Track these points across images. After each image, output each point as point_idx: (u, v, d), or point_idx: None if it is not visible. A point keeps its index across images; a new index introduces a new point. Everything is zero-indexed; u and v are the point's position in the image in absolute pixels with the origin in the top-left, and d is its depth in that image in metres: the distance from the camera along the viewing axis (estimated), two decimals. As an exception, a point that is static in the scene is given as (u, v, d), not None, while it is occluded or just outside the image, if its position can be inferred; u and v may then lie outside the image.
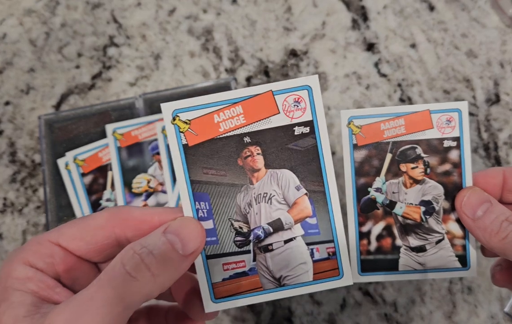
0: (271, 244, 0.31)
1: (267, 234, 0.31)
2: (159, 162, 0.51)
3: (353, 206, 0.35)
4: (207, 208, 0.30)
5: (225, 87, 0.56)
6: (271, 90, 0.30)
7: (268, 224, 0.31)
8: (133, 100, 0.55)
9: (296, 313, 0.49)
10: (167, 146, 0.52)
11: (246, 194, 0.31)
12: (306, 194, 0.31)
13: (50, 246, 0.27)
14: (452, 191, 0.34)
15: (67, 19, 0.62)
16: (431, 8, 0.63)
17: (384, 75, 0.59)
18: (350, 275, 0.31)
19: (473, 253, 0.35)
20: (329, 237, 0.31)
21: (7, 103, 0.58)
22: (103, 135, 0.53)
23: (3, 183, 0.55)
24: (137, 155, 0.52)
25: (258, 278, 0.31)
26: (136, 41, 0.61)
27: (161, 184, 0.51)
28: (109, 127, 0.52)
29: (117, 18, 0.63)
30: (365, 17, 0.62)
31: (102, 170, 0.52)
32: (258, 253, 0.31)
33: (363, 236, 0.35)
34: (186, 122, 0.30)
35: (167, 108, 0.29)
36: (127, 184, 0.51)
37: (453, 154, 0.35)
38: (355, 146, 0.34)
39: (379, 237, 0.35)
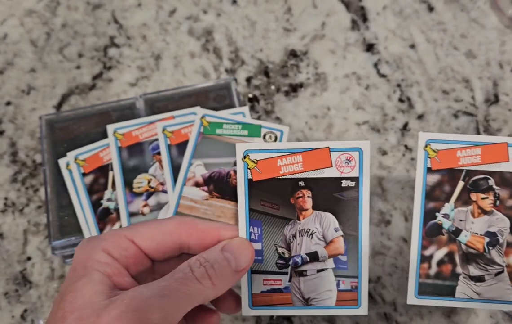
0: (305, 271, 0.37)
1: (304, 262, 0.37)
2: (160, 161, 0.52)
3: (418, 229, 0.36)
4: (259, 232, 0.36)
5: (225, 88, 0.56)
6: (328, 147, 0.35)
7: (307, 254, 0.37)
8: (134, 101, 0.55)
9: (296, 313, 0.50)
10: (168, 146, 0.52)
11: (292, 227, 0.37)
12: (342, 235, 0.36)
13: (126, 241, 0.32)
14: None
15: (67, 20, 0.63)
16: (431, 8, 0.63)
17: (383, 76, 0.60)
18: (366, 307, 0.37)
19: None
20: (355, 274, 0.37)
21: (8, 103, 0.59)
22: (104, 135, 0.53)
23: (4, 183, 0.55)
24: (137, 155, 0.52)
25: (290, 296, 0.37)
26: (136, 42, 0.61)
27: (162, 184, 0.51)
28: (110, 128, 0.52)
29: (118, 19, 0.63)
30: (364, 18, 0.63)
31: (103, 170, 0.52)
32: (294, 276, 0.37)
33: (425, 259, 0.36)
34: (254, 162, 0.35)
35: (240, 148, 0.35)
36: (128, 184, 0.51)
37: None
38: (429, 170, 0.36)
39: (440, 262, 0.37)
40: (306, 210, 0.36)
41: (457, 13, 0.63)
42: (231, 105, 0.55)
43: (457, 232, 0.36)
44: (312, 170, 0.35)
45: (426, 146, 0.36)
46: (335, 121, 0.57)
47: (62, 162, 0.52)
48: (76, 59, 0.61)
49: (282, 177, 0.36)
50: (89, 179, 0.51)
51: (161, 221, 0.34)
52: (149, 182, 0.51)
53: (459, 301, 0.36)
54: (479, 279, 0.36)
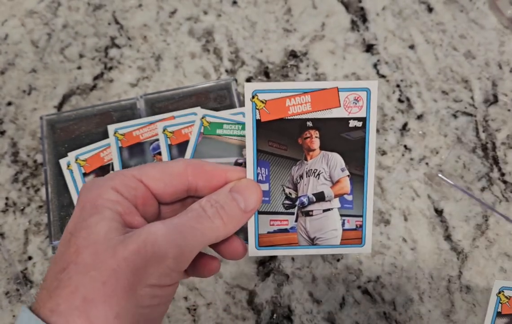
0: (312, 211, 0.37)
1: (311, 202, 0.37)
2: (160, 161, 0.52)
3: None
4: (266, 173, 0.36)
5: (225, 88, 0.57)
6: (337, 87, 0.35)
7: (313, 194, 0.37)
8: (135, 101, 0.56)
9: (296, 312, 0.50)
10: (168, 147, 0.52)
11: (300, 167, 0.37)
12: (348, 175, 0.36)
13: (134, 181, 0.31)
14: None
15: (68, 20, 0.63)
16: (430, 9, 0.63)
17: (383, 76, 0.60)
18: (370, 246, 0.37)
19: None
20: (360, 213, 0.37)
21: (9, 103, 0.59)
22: (104, 135, 0.53)
23: (5, 183, 0.55)
24: (138, 155, 0.52)
25: (296, 236, 0.37)
26: (137, 42, 0.62)
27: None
28: (111, 128, 0.53)
29: (119, 20, 0.63)
30: (364, 19, 0.63)
31: (104, 170, 0.52)
32: (300, 216, 0.37)
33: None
34: (262, 102, 0.35)
35: (249, 87, 0.35)
36: (129, 184, 0.51)
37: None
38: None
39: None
40: (314, 150, 0.36)
41: (456, 13, 0.63)
42: (231, 106, 0.55)
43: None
44: (320, 110, 0.35)
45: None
46: (334, 121, 0.57)
47: (63, 162, 0.52)
48: (77, 59, 0.61)
49: (290, 117, 0.35)
50: (90, 179, 0.52)
51: (169, 162, 0.34)
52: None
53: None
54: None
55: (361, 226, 0.37)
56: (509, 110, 0.58)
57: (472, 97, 0.59)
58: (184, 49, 0.61)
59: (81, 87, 0.59)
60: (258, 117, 0.35)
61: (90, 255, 0.27)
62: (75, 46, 0.61)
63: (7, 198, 0.54)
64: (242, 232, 0.36)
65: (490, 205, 0.54)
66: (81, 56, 0.61)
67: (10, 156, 0.56)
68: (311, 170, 0.37)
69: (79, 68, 0.60)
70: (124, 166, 0.52)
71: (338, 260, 0.52)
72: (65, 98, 0.59)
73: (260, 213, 0.36)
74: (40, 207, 0.54)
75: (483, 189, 0.54)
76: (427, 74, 0.60)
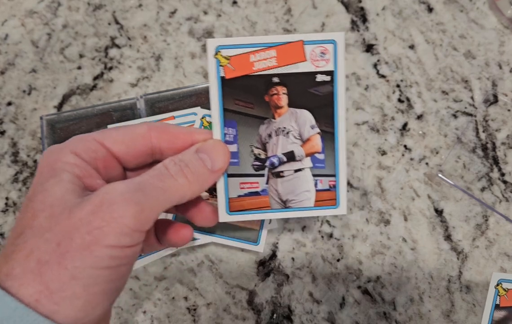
0: (283, 171, 0.35)
1: (281, 162, 0.35)
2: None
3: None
4: (234, 133, 0.35)
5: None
6: (302, 40, 0.34)
7: (283, 153, 0.35)
8: (135, 101, 0.56)
9: (296, 312, 0.50)
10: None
11: (268, 126, 0.35)
12: (319, 133, 0.35)
13: (95, 143, 0.31)
14: None
15: (68, 20, 0.63)
16: (430, 9, 0.63)
17: (383, 76, 0.60)
18: (345, 206, 0.36)
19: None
20: (332, 172, 0.36)
21: (9, 103, 0.59)
22: (104, 135, 0.53)
23: (5, 183, 0.55)
24: (138, 155, 0.52)
25: (268, 199, 0.36)
26: (137, 42, 0.62)
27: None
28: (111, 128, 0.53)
29: (119, 20, 0.63)
30: (364, 19, 0.63)
31: (104, 170, 0.52)
32: (271, 177, 0.36)
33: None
34: (226, 58, 0.33)
35: (212, 43, 0.33)
36: (129, 184, 0.51)
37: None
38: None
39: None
40: (281, 107, 0.35)
41: (456, 13, 0.63)
42: (231, 106, 0.55)
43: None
44: (286, 65, 0.34)
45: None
46: (334, 121, 0.57)
47: (63, 162, 0.52)
48: (77, 59, 0.61)
49: (256, 74, 0.34)
50: (90, 178, 0.52)
51: (132, 125, 0.33)
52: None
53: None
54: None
55: (334, 186, 0.36)
56: (509, 110, 0.58)
57: (472, 97, 0.59)
58: (184, 49, 0.61)
59: (81, 87, 0.59)
60: (222, 74, 0.34)
61: (45, 218, 0.26)
62: (75, 46, 0.61)
63: (7, 198, 0.54)
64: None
65: (490, 205, 0.54)
66: (81, 56, 0.61)
67: (10, 156, 0.56)
68: (280, 128, 0.35)
69: (79, 68, 0.60)
70: (124, 165, 0.52)
71: (338, 260, 0.52)
72: (65, 98, 0.59)
73: (229, 175, 0.35)
74: (40, 207, 0.54)
75: (483, 189, 0.54)
76: (427, 74, 0.60)
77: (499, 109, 0.58)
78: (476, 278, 0.51)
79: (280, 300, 0.50)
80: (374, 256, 0.52)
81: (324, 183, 0.36)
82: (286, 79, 0.34)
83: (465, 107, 0.58)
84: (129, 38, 0.62)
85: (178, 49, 0.61)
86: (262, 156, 0.35)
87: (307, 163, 0.35)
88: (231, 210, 0.35)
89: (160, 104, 0.55)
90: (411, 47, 0.61)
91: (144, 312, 0.50)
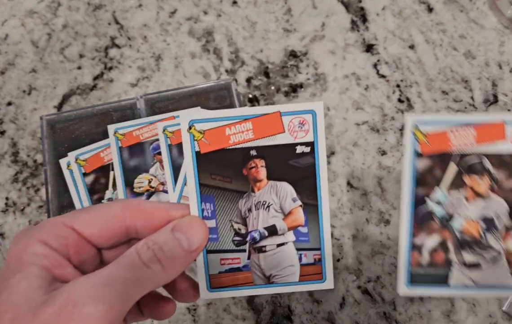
0: (265, 246, 0.34)
1: (262, 237, 0.34)
2: (160, 161, 0.52)
3: (408, 217, 0.34)
4: (212, 209, 0.34)
5: (225, 88, 0.57)
6: (279, 111, 0.33)
7: (265, 228, 0.34)
8: (135, 101, 0.56)
9: (296, 312, 0.50)
10: (168, 147, 0.52)
11: (247, 200, 0.34)
12: (301, 205, 0.34)
13: (65, 229, 0.29)
14: None
15: (68, 20, 0.63)
16: (430, 9, 0.63)
17: (383, 76, 0.60)
18: (332, 280, 0.35)
19: None
20: (317, 245, 0.35)
21: (9, 103, 0.59)
22: (104, 135, 0.53)
23: (5, 183, 0.55)
24: (138, 155, 0.52)
25: (251, 274, 0.35)
26: (137, 42, 0.62)
27: (162, 184, 0.51)
28: (111, 128, 0.53)
29: (119, 20, 0.63)
30: (364, 19, 0.63)
31: (104, 170, 0.52)
32: (253, 252, 0.35)
33: (416, 248, 0.34)
34: (200, 132, 0.33)
35: (185, 117, 0.33)
36: (129, 184, 0.51)
37: None
38: (418, 154, 0.33)
39: (433, 251, 0.34)
40: (261, 180, 0.34)
41: (456, 13, 0.63)
42: (231, 106, 0.55)
43: (450, 218, 0.34)
44: (264, 137, 0.33)
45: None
46: (334, 121, 0.57)
47: (63, 162, 0.52)
48: (77, 59, 0.61)
49: (232, 147, 0.33)
50: (90, 179, 0.52)
51: (104, 204, 0.31)
52: (149, 182, 0.51)
53: (454, 289, 0.34)
54: (474, 266, 0.34)
55: (320, 260, 0.35)
56: (509, 110, 0.58)
57: (472, 97, 0.59)
58: (184, 49, 0.61)
59: (81, 87, 0.59)
60: (197, 149, 0.33)
61: (9, 320, 0.25)
62: (75, 46, 0.61)
63: (7, 198, 0.54)
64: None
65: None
66: (81, 56, 0.61)
67: (10, 156, 0.56)
68: (260, 202, 0.34)
69: (79, 68, 0.60)
70: (124, 166, 0.52)
71: (338, 260, 0.52)
72: (65, 98, 0.59)
73: (208, 251, 0.34)
74: (40, 207, 0.54)
75: (483, 189, 0.54)
76: (427, 74, 0.60)
77: (499, 109, 0.58)
78: (476, 278, 0.51)
79: (280, 300, 0.50)
80: (374, 256, 0.52)
81: (308, 256, 0.35)
82: (265, 152, 0.33)
83: (465, 107, 0.58)
84: (129, 38, 0.62)
85: (178, 49, 0.61)
86: (243, 231, 0.34)
87: (290, 236, 0.35)
88: (213, 286, 0.34)
89: (160, 104, 0.55)
90: (411, 47, 0.61)
91: (144, 312, 0.50)
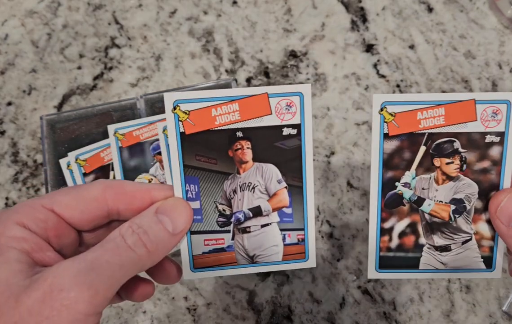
0: (249, 227, 0.35)
1: (247, 218, 0.35)
2: (160, 161, 0.52)
3: (377, 201, 0.33)
4: (196, 190, 0.34)
5: (225, 88, 0.57)
6: (266, 92, 0.33)
7: (249, 209, 0.35)
8: (135, 101, 0.56)
9: (296, 312, 0.50)
10: (168, 147, 0.52)
11: (232, 181, 0.34)
12: (286, 187, 0.34)
13: (44, 211, 0.28)
14: (488, 190, 0.32)
15: (68, 20, 0.63)
16: (430, 9, 0.63)
17: (383, 76, 0.60)
18: (314, 259, 0.35)
19: (499, 255, 0.33)
20: (301, 226, 0.35)
21: (9, 103, 0.59)
22: (104, 135, 0.53)
23: (5, 183, 0.55)
24: (138, 155, 0.52)
25: (234, 255, 0.35)
26: (137, 42, 0.62)
27: (162, 184, 0.51)
28: (111, 128, 0.53)
29: (119, 20, 0.63)
30: (364, 19, 0.63)
31: (104, 170, 0.52)
32: (237, 233, 0.35)
33: (385, 232, 0.34)
34: (185, 113, 0.33)
35: (169, 97, 0.32)
36: (129, 184, 0.51)
37: (494, 151, 0.32)
38: (386, 136, 0.32)
39: (402, 234, 0.34)
40: (246, 162, 0.34)
41: (456, 13, 0.63)
42: (231, 106, 0.55)
43: (420, 201, 0.33)
44: (250, 119, 0.33)
45: (382, 109, 0.32)
46: (334, 121, 0.57)
47: (63, 162, 0.52)
48: (77, 59, 0.61)
49: (218, 128, 0.33)
50: (90, 179, 0.52)
51: (84, 186, 0.30)
52: (149, 182, 0.51)
53: (424, 272, 0.34)
54: (445, 248, 0.33)
55: (303, 240, 0.35)
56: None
57: (472, 97, 0.59)
58: (184, 49, 0.61)
59: (81, 87, 0.59)
60: (182, 130, 0.33)
61: None
62: (75, 46, 0.61)
63: (7, 198, 0.54)
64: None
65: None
66: (81, 56, 0.61)
67: (10, 156, 0.56)
68: (245, 183, 0.34)
69: (79, 68, 0.60)
70: (124, 166, 0.52)
71: (338, 260, 0.52)
72: (65, 98, 0.59)
73: (192, 233, 0.34)
74: (40, 207, 0.54)
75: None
76: (427, 74, 0.60)
77: (499, 109, 0.58)
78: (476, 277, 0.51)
79: (280, 300, 0.50)
80: (374, 256, 0.52)
81: (292, 237, 0.35)
82: (251, 133, 0.33)
83: (465, 107, 0.58)
84: (129, 38, 0.62)
85: (178, 49, 0.61)
86: (227, 212, 0.34)
87: (275, 217, 0.35)
88: (196, 267, 0.34)
89: (160, 104, 0.55)
90: (411, 47, 0.61)
91: (144, 312, 0.50)
